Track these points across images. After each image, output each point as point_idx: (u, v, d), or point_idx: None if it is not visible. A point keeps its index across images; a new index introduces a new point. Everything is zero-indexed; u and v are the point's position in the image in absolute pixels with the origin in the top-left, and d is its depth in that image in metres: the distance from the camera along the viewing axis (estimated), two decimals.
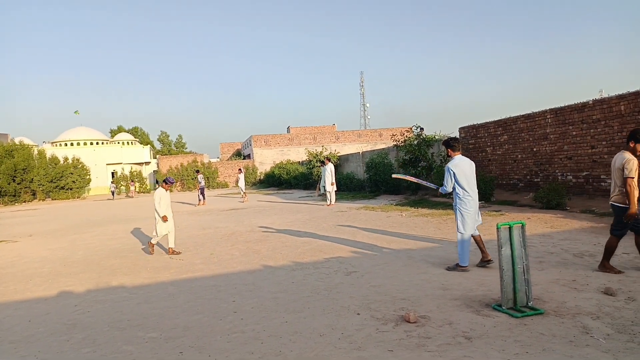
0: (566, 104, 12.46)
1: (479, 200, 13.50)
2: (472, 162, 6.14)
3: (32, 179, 40.23)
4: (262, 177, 43.12)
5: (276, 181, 36.44)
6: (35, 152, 41.99)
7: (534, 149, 13.59)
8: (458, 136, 17.25)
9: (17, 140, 45.24)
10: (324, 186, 22.36)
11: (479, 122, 16.32)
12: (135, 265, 7.79)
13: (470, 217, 5.91)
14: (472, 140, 16.51)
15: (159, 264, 7.76)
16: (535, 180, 13.53)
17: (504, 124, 14.89)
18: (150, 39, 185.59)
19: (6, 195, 39.31)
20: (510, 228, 4.26)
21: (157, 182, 47.58)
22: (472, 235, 5.98)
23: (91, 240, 11.39)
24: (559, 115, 12.62)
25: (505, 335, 3.68)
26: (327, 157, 18.38)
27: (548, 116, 13.00)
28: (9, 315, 5.27)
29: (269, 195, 26.35)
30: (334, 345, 3.71)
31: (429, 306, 4.53)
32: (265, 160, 45.63)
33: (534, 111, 13.63)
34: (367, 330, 4.00)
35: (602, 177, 11.22)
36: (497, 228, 4.24)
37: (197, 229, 12.32)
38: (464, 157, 6.11)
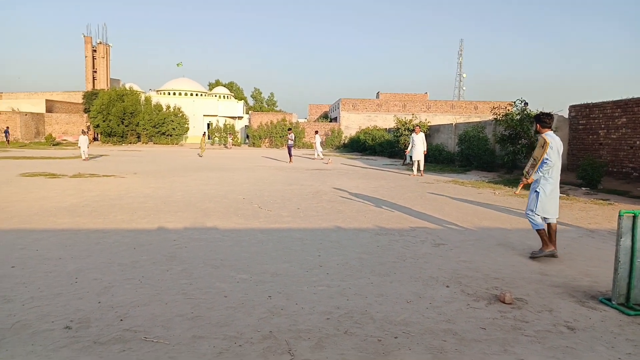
0: None
1: (585, 187, 12.36)
2: (562, 143, 5.45)
3: (138, 123, 43.77)
4: (346, 141, 43.07)
5: (360, 146, 36.17)
6: (142, 98, 45.41)
7: None
8: (567, 114, 15.77)
9: (127, 86, 49.20)
10: (411, 155, 21.84)
11: (593, 102, 14.74)
12: (227, 210, 8.18)
13: (549, 200, 5.39)
14: (583, 120, 14.99)
15: (248, 212, 8.07)
16: None
17: (624, 105, 13.28)
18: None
19: (115, 135, 43.28)
20: (635, 217, 3.78)
21: (247, 136, 49.60)
22: (549, 223, 5.42)
23: (188, 184, 12.17)
24: None
25: (615, 332, 3.33)
26: (417, 125, 17.72)
27: None
28: (117, 241, 5.79)
29: (352, 160, 26.32)
30: (421, 314, 3.60)
31: (525, 289, 4.24)
32: (351, 124, 45.38)
33: None
34: (457, 304, 3.83)
35: None
36: (620, 215, 3.78)
37: (284, 184, 12.65)
38: (555, 135, 5.46)
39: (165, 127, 44.62)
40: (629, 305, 3.77)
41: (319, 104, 59.88)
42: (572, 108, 15.66)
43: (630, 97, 13.15)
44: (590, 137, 14.57)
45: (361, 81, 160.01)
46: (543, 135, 5.39)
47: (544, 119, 5.51)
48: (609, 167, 13.38)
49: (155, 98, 47.63)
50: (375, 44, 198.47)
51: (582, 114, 15.09)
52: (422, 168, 16.32)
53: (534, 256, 5.35)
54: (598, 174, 12.24)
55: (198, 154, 26.89)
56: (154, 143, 44.60)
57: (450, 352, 2.97)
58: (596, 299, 4.01)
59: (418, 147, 16.26)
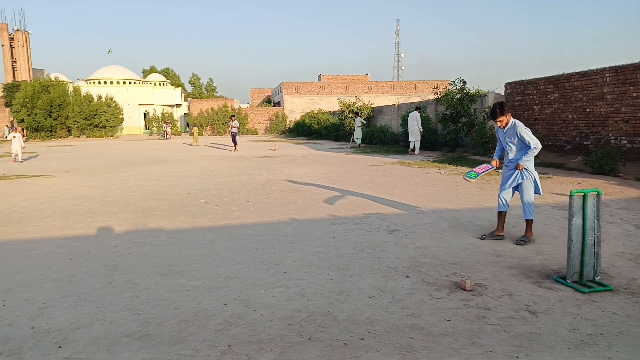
0: (629, 62, 11.45)
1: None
2: None
3: (67, 116, 41.01)
4: (291, 126, 42.69)
5: (306, 131, 35.93)
6: (71, 88, 42.48)
7: (587, 110, 12.70)
8: (503, 92, 16.33)
9: (52, 77, 45.81)
10: (358, 138, 21.92)
11: (527, 79, 15.34)
12: (172, 208, 7.73)
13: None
14: (518, 97, 15.59)
15: (195, 208, 7.67)
16: (585, 143, 12.75)
17: (556, 81, 13.92)
18: None
19: (43, 130, 40.35)
20: (584, 196, 3.86)
21: (187, 124, 47.86)
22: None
23: (126, 180, 11.46)
24: (620, 74, 11.63)
25: (574, 312, 3.38)
26: (417, 107, 17.76)
27: (607, 74, 12.01)
28: (50, 252, 5.26)
29: (299, 145, 26.11)
30: (385, 309, 3.49)
31: (483, 273, 4.25)
32: (295, 108, 44.97)
33: (591, 68, 12.62)
34: (419, 295, 3.76)
35: None
36: (571, 195, 3.84)
37: (231, 175, 12.23)
38: None
39: (98, 118, 42.10)
40: (583, 283, 3.86)
41: (261, 88, 58.81)
42: (508, 85, 16.24)
43: (561, 72, 13.79)
44: (526, 112, 15.18)
45: (302, 63, 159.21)
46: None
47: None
48: (545, 141, 14.00)
49: (85, 88, 44.79)
50: (313, 24, 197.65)
51: (517, 90, 15.68)
52: (417, 148, 17.08)
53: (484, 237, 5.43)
54: None
55: (191, 144, 28.43)
56: (87, 136, 42.01)
57: (419, 350, 2.87)
58: (551, 278, 4.09)
59: (413, 127, 16.80)
